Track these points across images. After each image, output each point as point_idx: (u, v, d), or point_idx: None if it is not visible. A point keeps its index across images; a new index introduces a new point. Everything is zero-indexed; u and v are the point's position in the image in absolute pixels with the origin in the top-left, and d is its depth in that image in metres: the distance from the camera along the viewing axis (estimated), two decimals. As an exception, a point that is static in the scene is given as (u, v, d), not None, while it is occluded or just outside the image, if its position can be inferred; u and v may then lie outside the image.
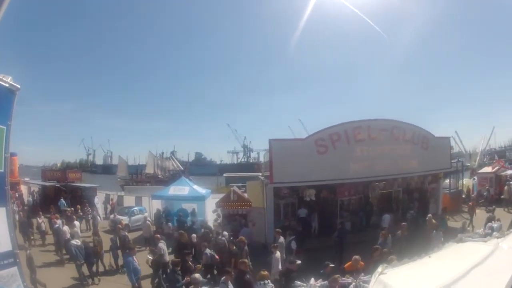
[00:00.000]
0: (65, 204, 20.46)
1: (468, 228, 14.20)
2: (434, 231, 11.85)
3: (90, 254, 10.77)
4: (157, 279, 8.91)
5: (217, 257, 10.15)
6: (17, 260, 4.30)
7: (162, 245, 10.35)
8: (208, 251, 10.09)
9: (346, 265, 8.31)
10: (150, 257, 9.53)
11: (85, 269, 10.56)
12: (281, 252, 10.19)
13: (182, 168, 54.03)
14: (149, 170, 56.34)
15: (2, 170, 4.33)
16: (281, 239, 11.01)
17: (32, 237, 14.63)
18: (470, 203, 18.44)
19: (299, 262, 8.28)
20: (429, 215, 13.07)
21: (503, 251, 4.15)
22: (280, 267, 9.40)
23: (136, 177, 53.24)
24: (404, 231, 11.67)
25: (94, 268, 11.00)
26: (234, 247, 10.41)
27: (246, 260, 8.46)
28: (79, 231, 13.94)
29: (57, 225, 13.61)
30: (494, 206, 16.88)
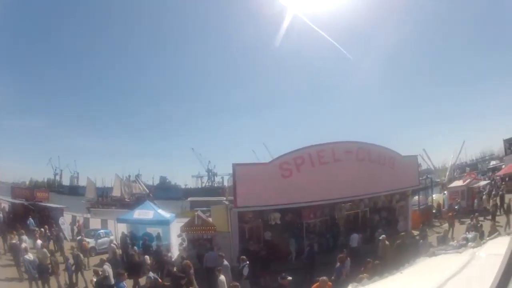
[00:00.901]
0: (33, 224, 19.86)
1: (449, 237, 14.50)
2: (421, 240, 12.89)
3: (44, 270, 10.98)
4: None
5: (160, 280, 10.43)
6: None
7: (107, 267, 10.54)
8: (151, 274, 10.29)
9: (314, 286, 8.33)
10: (94, 278, 9.95)
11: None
12: (226, 276, 10.45)
13: (148, 192, 53.18)
14: (116, 193, 54.42)
15: None
16: (225, 262, 11.29)
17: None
18: (449, 214, 18.96)
19: (290, 278, 8.71)
20: (383, 236, 13.10)
21: (481, 259, 3.80)
22: None
23: (102, 200, 51.75)
24: (404, 239, 12.81)
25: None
26: (177, 271, 10.80)
27: (237, 284, 8.80)
28: (47, 252, 13.51)
29: (14, 241, 13.51)
30: (476, 214, 17.01)
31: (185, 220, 15.71)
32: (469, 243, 6.97)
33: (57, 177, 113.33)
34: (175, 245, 15.50)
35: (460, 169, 33.33)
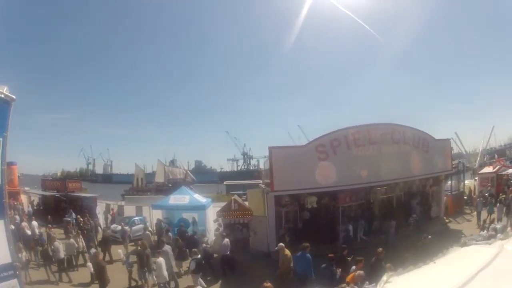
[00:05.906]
0: (73, 216, 19.48)
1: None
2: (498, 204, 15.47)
3: (28, 240, 13.36)
4: None
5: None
6: (17, 272, 4.32)
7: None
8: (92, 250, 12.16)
9: (348, 278, 8.11)
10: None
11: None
12: (167, 259, 10.93)
13: (192, 176, 52.50)
14: (159, 178, 53.65)
15: (0, 183, 4.29)
16: (166, 246, 11.62)
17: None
18: (511, 188, 19.43)
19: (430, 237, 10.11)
20: (281, 244, 10.45)
21: (508, 253, 4.02)
22: (164, 272, 10.24)
23: (137, 187, 51.70)
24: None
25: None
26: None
27: None
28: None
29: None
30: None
31: (222, 204, 15.73)
32: (498, 235, 6.84)
33: (90, 166, 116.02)
34: (212, 230, 15.59)
35: (490, 155, 32.30)
